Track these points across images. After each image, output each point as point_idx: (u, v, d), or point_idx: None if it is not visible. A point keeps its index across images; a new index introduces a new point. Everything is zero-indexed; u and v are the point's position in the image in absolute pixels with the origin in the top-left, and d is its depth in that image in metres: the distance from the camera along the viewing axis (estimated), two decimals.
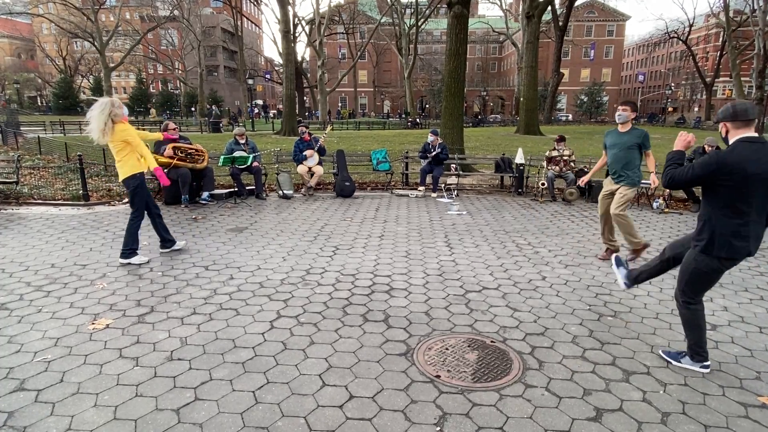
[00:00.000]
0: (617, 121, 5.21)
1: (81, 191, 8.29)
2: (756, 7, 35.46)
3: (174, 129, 8.20)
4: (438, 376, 2.95)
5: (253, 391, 2.78)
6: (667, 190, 8.78)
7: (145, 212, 5.17)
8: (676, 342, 3.48)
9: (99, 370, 2.97)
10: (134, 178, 4.92)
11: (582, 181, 5.96)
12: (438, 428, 2.49)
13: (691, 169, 2.85)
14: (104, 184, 9.68)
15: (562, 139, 9.36)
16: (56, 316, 3.73)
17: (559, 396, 2.79)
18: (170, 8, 51.40)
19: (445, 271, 5.00)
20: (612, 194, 5.25)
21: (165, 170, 7.73)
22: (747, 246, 2.82)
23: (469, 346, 3.36)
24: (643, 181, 5.87)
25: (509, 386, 2.88)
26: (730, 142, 2.81)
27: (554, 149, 9.30)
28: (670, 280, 4.82)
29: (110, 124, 4.69)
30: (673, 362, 3.18)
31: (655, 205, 8.48)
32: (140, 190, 5.01)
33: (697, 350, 3.09)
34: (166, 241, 5.46)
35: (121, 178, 4.96)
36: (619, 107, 5.16)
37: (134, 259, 5.04)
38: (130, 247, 5.03)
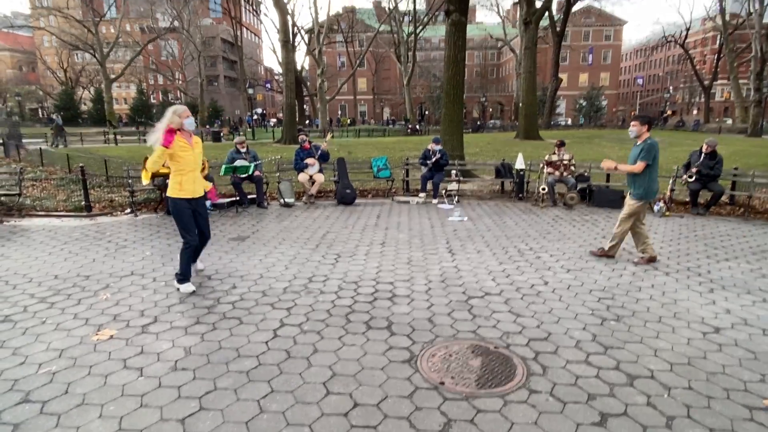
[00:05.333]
0: (630, 136, 5.38)
1: (83, 202, 8.32)
2: (752, 10, 35.64)
3: None
4: (442, 383, 2.95)
5: (258, 400, 2.78)
6: (668, 193, 8.80)
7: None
8: (679, 345, 3.48)
9: (104, 381, 2.98)
10: (172, 201, 4.45)
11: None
12: None
13: None
14: (106, 194, 9.72)
15: (562, 144, 9.39)
16: (60, 328, 3.74)
17: (564, 401, 2.79)
18: (170, 19, 51.79)
19: (447, 277, 5.00)
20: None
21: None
22: None
23: (472, 353, 3.36)
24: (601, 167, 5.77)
25: (513, 392, 2.88)
26: None
27: (554, 153, 9.32)
28: (672, 283, 4.82)
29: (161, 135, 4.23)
30: None
31: (656, 208, 8.48)
32: (174, 213, 4.50)
33: None
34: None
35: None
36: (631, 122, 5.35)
37: (182, 287, 4.55)
38: (178, 274, 4.60)
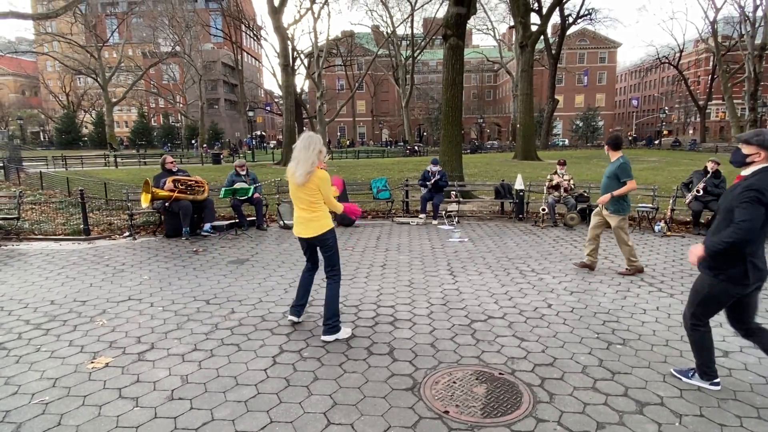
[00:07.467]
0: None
1: (82, 225, 8.27)
2: (744, 31, 36.34)
3: (171, 162, 8.26)
4: (446, 412, 2.87)
5: None
6: (668, 213, 8.78)
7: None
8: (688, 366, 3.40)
9: (98, 412, 2.89)
10: (332, 233, 3.91)
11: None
12: None
13: (748, 221, 2.67)
14: (105, 218, 9.68)
15: (563, 163, 9.42)
16: (55, 356, 3.66)
17: (573, 431, 2.71)
18: (172, 44, 52.62)
19: (449, 300, 4.93)
20: (599, 214, 5.94)
21: (165, 204, 7.78)
22: (766, 270, 2.90)
23: (477, 379, 3.28)
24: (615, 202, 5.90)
25: (520, 421, 2.79)
26: (759, 167, 2.79)
27: (555, 173, 9.33)
28: (677, 305, 4.76)
29: (315, 165, 3.77)
30: (684, 379, 3.25)
31: (656, 228, 8.45)
32: (336, 246, 3.98)
33: (706, 370, 3.17)
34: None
35: (315, 233, 3.84)
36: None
37: (340, 334, 3.95)
38: (333, 319, 3.94)
